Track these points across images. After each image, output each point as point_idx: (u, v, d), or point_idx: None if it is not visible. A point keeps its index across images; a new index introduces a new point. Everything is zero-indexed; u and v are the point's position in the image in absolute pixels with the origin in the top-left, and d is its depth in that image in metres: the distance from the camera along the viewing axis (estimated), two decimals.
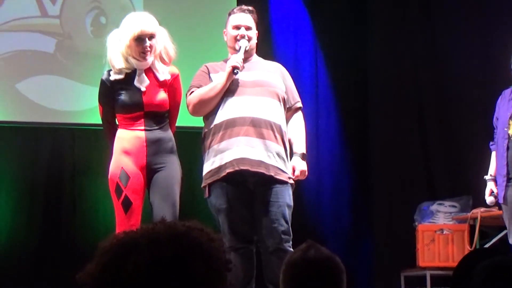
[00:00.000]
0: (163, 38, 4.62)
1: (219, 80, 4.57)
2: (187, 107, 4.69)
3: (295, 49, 7.78)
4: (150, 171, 4.51)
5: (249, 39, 4.67)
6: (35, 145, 6.97)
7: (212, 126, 4.58)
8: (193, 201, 6.45)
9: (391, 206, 7.52)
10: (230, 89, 4.56)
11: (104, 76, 4.59)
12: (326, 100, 7.77)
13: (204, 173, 4.63)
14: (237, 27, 4.68)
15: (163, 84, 4.59)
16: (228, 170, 4.47)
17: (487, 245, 6.50)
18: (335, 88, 7.82)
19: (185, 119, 5.07)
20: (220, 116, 4.55)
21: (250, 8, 4.77)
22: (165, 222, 1.56)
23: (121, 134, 4.56)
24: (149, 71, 4.58)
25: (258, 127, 4.49)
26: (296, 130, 4.73)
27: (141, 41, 4.46)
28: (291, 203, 4.59)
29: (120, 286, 1.46)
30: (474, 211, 6.53)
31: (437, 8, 7.60)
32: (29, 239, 6.85)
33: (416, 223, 6.98)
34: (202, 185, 4.64)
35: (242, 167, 4.46)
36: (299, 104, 4.79)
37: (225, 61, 4.73)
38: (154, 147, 4.50)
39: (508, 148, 5.22)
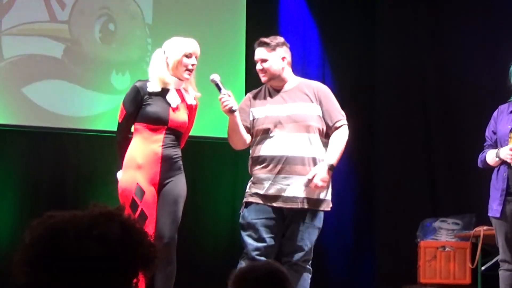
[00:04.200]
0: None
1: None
2: None
3: (303, 58, 7.78)
4: (161, 186, 4.64)
5: (266, 70, 4.86)
6: (40, 149, 6.98)
7: (253, 156, 4.87)
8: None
9: (394, 221, 7.51)
10: (267, 126, 4.80)
11: (139, 84, 4.72)
12: None
13: (246, 189, 4.91)
14: (256, 61, 4.93)
15: (189, 108, 4.78)
16: (260, 202, 4.76)
17: (488, 264, 6.49)
18: (341, 104, 7.82)
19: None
20: (260, 151, 4.82)
21: (263, 40, 4.92)
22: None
23: (136, 146, 4.65)
24: (180, 92, 4.76)
25: (292, 164, 4.75)
26: (333, 143, 4.90)
27: (191, 58, 4.69)
28: (320, 225, 4.90)
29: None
30: (477, 229, 6.52)
31: (446, 16, 7.61)
32: None
33: (419, 239, 6.97)
34: (244, 200, 4.89)
35: (274, 204, 4.75)
36: (339, 123, 4.95)
37: (264, 87, 4.98)
38: (167, 164, 4.64)
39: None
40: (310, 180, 4.74)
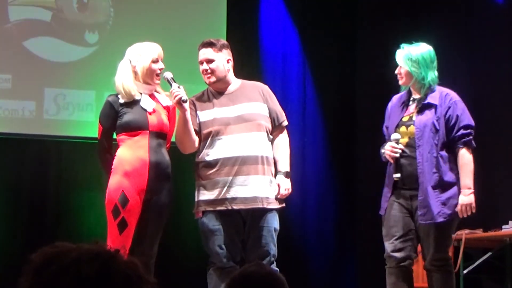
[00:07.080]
0: None
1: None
2: None
3: (283, 68, 7.81)
4: (148, 194, 4.62)
5: (212, 71, 4.83)
6: (21, 155, 7.00)
7: (203, 161, 4.78)
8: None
9: (376, 224, 7.51)
10: (216, 128, 4.76)
11: (111, 98, 4.73)
12: (313, 119, 7.80)
13: (197, 199, 4.82)
14: (201, 62, 4.88)
15: (166, 109, 4.78)
16: (219, 208, 4.71)
17: (471, 267, 6.52)
18: (323, 107, 7.85)
19: None
20: (210, 155, 4.75)
21: (209, 41, 4.90)
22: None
23: (123, 154, 4.64)
24: (153, 96, 4.77)
25: (248, 164, 4.71)
26: (281, 149, 4.92)
27: (158, 63, 4.72)
28: (278, 227, 4.84)
29: None
30: (459, 232, 6.53)
31: (426, 28, 7.65)
32: (13, 249, 6.83)
33: None
34: (195, 210, 4.82)
35: (234, 207, 4.70)
36: (285, 123, 4.98)
37: (205, 91, 4.94)
38: (155, 170, 4.62)
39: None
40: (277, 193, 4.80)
